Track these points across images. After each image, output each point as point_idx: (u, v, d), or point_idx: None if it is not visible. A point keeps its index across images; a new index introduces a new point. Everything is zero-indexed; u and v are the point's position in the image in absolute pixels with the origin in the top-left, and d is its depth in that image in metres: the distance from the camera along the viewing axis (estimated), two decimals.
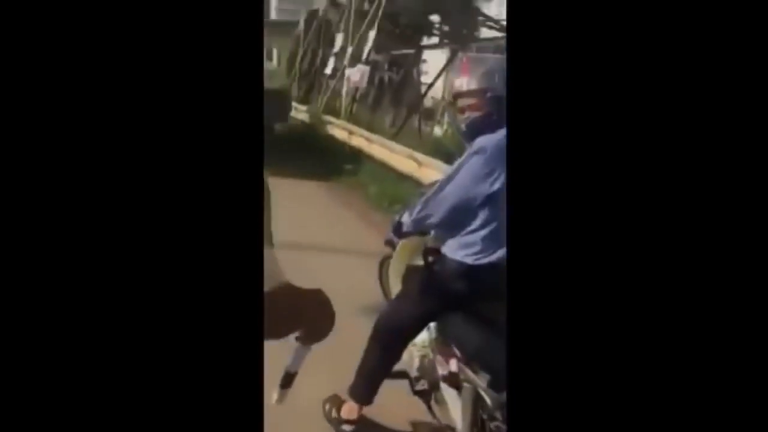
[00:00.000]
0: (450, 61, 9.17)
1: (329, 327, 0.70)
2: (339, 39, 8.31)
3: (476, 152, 1.44)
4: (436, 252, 1.63)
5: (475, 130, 1.49)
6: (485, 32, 9.86)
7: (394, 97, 10.07)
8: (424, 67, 9.77)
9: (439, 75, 8.65)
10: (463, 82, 1.55)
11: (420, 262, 1.74)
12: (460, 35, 10.38)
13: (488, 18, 9.46)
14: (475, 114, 1.51)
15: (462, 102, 1.55)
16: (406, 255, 1.89)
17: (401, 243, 1.88)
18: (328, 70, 8.44)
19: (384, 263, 2.25)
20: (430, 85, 8.83)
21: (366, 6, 8.32)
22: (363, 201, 4.90)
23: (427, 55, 9.88)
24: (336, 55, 8.25)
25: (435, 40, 10.46)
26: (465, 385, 1.53)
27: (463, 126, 1.56)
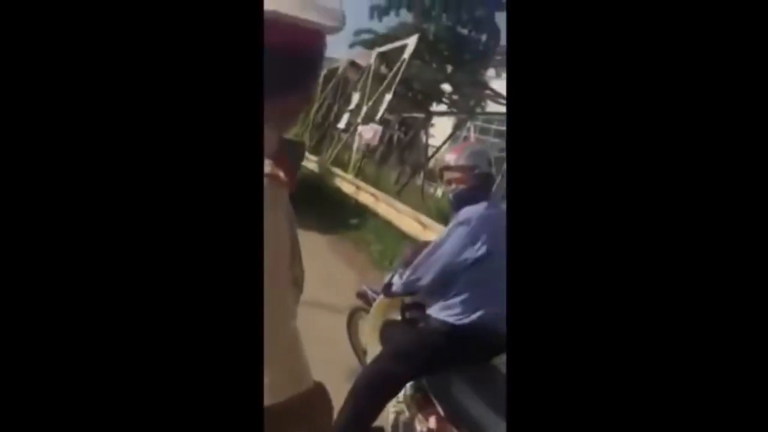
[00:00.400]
0: (457, 128, 9.58)
1: (329, 424, 0.67)
2: (355, 97, 8.68)
3: (462, 223, 1.64)
4: (413, 307, 1.81)
5: (461, 201, 1.71)
6: (492, 106, 10.37)
7: (401, 155, 10.41)
8: (432, 131, 10.18)
9: (446, 140, 9.01)
10: (452, 159, 1.77)
11: (396, 317, 1.88)
12: (467, 106, 10.91)
13: (496, 93, 9.97)
14: (461, 187, 1.73)
15: (448, 175, 1.78)
16: (383, 310, 2.01)
17: (379, 299, 2.00)
18: (342, 125, 8.78)
19: (353, 315, 2.33)
20: (438, 149, 9.17)
21: (383, 70, 8.79)
22: (365, 258, 4.93)
23: (435, 120, 10.31)
24: (351, 111, 8.61)
25: (444, 107, 10.97)
26: None
27: (450, 196, 1.79)
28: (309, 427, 0.63)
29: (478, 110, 10.83)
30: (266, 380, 0.52)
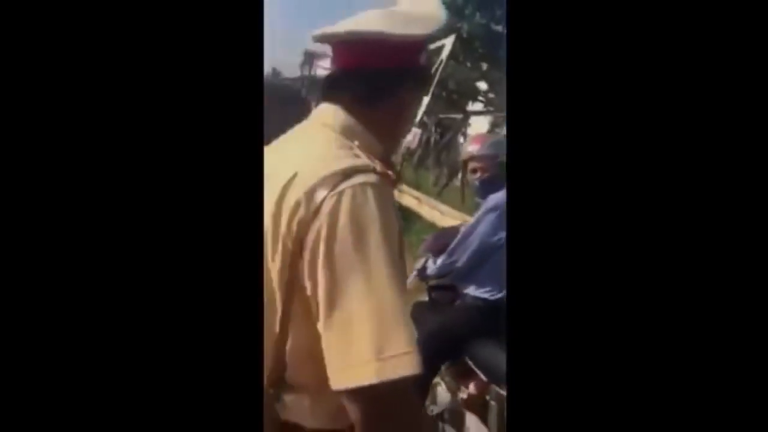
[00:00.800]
0: (495, 126, 9.46)
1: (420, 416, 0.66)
2: None
3: (491, 209, 1.85)
4: (440, 288, 2.05)
5: (487, 188, 1.92)
6: None
7: (438, 157, 10.38)
8: (468, 130, 10.09)
9: None
10: (475, 149, 1.97)
11: (423, 298, 2.13)
12: (504, 104, 10.69)
13: None
14: (485, 175, 1.93)
15: (473, 164, 1.97)
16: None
17: (408, 281, 2.21)
18: None
19: None
20: None
21: None
22: (412, 263, 4.94)
23: (472, 119, 10.22)
24: None
25: (480, 106, 10.85)
26: (491, 403, 1.77)
27: (476, 183, 1.98)
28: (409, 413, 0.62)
29: None
30: (386, 354, 0.56)
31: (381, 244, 0.58)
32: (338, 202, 0.59)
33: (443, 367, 1.97)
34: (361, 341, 0.56)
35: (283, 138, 0.75)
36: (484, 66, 10.46)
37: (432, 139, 10.64)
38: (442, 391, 1.96)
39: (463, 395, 1.88)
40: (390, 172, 0.65)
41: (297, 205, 0.60)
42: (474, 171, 1.96)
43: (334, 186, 0.59)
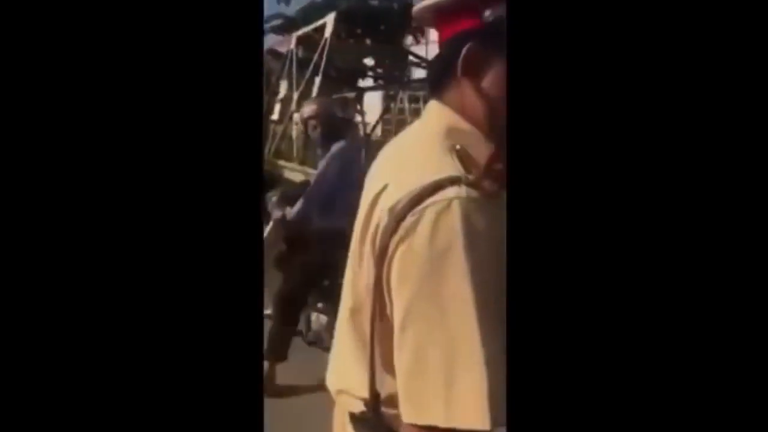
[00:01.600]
0: (391, 100, 9.52)
1: None
2: (283, 86, 8.30)
3: (334, 156, 2.52)
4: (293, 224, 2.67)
5: (326, 139, 2.65)
6: (419, 72, 9.89)
7: (338, 137, 9.71)
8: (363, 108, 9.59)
9: (382, 115, 8.99)
10: (311, 109, 2.73)
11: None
12: (393, 76, 10.29)
13: (421, 58, 9.22)
14: (324, 129, 2.64)
15: (312, 122, 2.74)
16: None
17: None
18: (275, 116, 8.35)
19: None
20: (374, 126, 9.02)
21: (301, 53, 8.38)
22: None
23: (367, 95, 9.67)
24: (281, 101, 8.19)
25: (370, 82, 10.36)
26: None
27: (317, 136, 2.71)
28: None
29: (406, 79, 10.51)
30: (455, 401, 0.54)
31: (461, 268, 0.54)
32: (417, 222, 0.56)
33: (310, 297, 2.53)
34: (430, 377, 0.55)
35: (392, 141, 0.73)
36: (368, 41, 10.27)
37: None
38: (315, 318, 2.54)
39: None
40: (488, 182, 0.59)
41: (381, 219, 0.59)
42: (314, 128, 2.59)
43: (418, 202, 0.57)
